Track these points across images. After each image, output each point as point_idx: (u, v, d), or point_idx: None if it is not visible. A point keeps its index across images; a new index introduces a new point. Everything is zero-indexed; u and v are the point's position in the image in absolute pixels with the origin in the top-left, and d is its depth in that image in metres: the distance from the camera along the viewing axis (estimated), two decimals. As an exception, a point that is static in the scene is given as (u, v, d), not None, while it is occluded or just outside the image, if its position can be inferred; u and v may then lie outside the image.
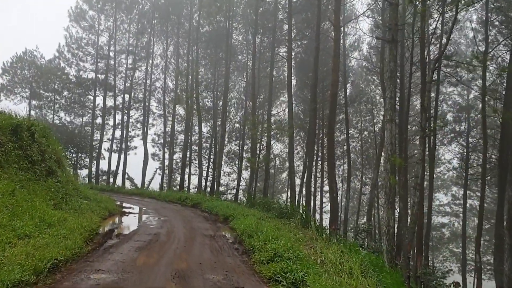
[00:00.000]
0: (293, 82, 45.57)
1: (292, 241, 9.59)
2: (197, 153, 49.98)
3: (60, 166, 16.43)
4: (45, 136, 16.36)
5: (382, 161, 44.08)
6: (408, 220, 19.91)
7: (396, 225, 22.00)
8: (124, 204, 22.10)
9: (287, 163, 56.64)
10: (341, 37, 26.79)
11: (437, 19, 20.64)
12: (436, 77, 21.22)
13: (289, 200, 27.69)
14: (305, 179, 31.74)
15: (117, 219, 14.85)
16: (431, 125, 17.44)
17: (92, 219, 11.90)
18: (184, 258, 8.57)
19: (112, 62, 44.21)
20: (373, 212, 26.52)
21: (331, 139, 20.18)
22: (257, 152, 39.78)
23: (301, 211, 16.51)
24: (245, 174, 53.63)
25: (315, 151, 27.27)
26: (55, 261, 6.74)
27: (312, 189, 38.09)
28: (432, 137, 22.72)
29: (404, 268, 14.38)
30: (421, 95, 19.35)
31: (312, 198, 36.55)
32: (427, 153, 23.06)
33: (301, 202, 29.38)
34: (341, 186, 49.02)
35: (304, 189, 31.46)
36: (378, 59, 33.35)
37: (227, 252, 9.66)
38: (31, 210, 9.30)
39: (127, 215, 16.60)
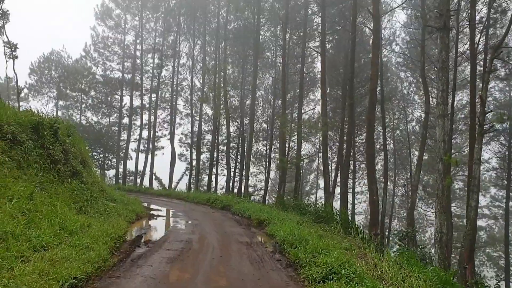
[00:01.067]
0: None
1: (345, 254, 8.37)
2: (224, 153, 49.21)
3: (85, 166, 15.61)
4: (70, 135, 15.57)
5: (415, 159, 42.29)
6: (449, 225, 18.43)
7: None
8: (152, 206, 21.25)
9: (315, 164, 55.35)
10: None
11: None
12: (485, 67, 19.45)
13: (321, 202, 26.39)
14: (338, 181, 30.44)
15: (145, 223, 13.90)
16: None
17: (118, 224, 10.95)
18: (222, 273, 7.45)
19: (138, 61, 43.71)
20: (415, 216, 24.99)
21: (370, 138, 18.78)
22: (286, 152, 38.60)
23: (340, 215, 15.21)
24: (272, 174, 52.49)
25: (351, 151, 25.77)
26: (74, 280, 5.68)
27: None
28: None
29: (460, 279, 12.95)
30: (471, 88, 17.80)
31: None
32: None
33: (332, 205, 28.04)
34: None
35: (335, 191, 30.16)
36: (413, 54, 31.79)
37: (269, 264, 8.50)
38: (51, 215, 8.34)
39: (156, 219, 15.65)
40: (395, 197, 43.67)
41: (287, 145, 39.07)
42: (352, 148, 22.42)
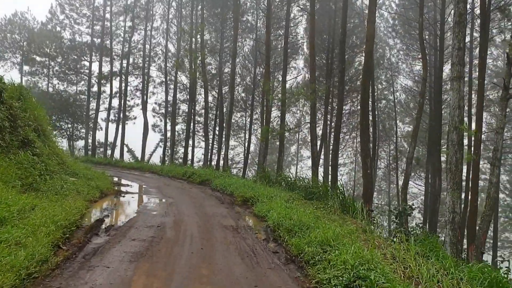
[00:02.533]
0: (305, 48, 42.14)
1: (363, 246, 6.53)
2: (201, 124, 46.92)
3: (40, 135, 13.35)
4: (21, 98, 13.23)
5: (399, 132, 40.90)
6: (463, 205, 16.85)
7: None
8: (122, 181, 19.14)
9: (297, 135, 53.60)
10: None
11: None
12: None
13: (306, 175, 24.62)
14: (329, 152, 28.57)
15: (109, 203, 11.80)
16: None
17: (74, 205, 8.86)
18: (205, 277, 5.51)
19: (108, 24, 40.48)
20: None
21: (365, 106, 16.94)
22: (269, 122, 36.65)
23: (335, 191, 13.42)
24: (251, 147, 50.53)
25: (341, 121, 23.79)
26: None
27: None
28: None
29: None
30: (480, 48, 16.03)
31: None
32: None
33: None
34: (355, 160, 46.01)
35: (324, 163, 28.44)
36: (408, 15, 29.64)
37: (265, 260, 6.61)
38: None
39: (124, 196, 13.57)
40: (377, 170, 42.50)
41: (265, 115, 37.13)
42: (340, 117, 20.54)
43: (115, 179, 20.00)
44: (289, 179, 17.36)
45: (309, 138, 53.67)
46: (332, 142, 38.56)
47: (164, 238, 7.57)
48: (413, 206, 19.23)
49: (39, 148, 12.06)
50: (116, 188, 15.50)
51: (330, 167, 23.67)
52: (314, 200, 14.06)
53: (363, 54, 36.39)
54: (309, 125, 43.24)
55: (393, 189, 44.87)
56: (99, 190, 12.97)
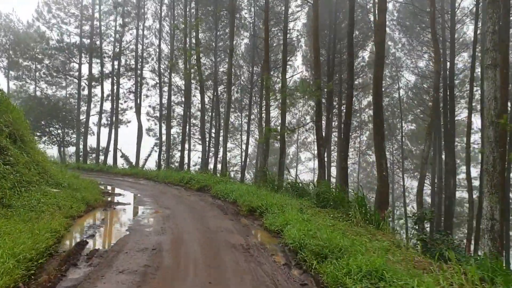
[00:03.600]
0: (303, 45, 40.73)
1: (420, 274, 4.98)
2: (196, 127, 45.31)
3: (17, 141, 11.73)
4: (-7, 100, 11.64)
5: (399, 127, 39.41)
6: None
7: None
8: (113, 190, 17.53)
9: (297, 136, 52.04)
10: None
11: None
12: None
13: (301, 178, 23.07)
14: (331, 153, 27.18)
15: (96, 218, 10.21)
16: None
17: (50, 225, 7.27)
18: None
19: (98, 24, 38.77)
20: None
21: (378, 101, 15.42)
22: (262, 123, 35.15)
23: (356, 199, 11.86)
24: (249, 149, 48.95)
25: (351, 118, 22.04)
26: None
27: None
28: None
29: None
30: None
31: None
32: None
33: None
34: (358, 160, 44.60)
35: (327, 165, 26.87)
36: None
37: (293, 297, 5.06)
38: None
39: (114, 208, 11.95)
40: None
41: (265, 115, 35.59)
42: (350, 115, 19.01)
43: (107, 187, 18.43)
44: (298, 184, 15.81)
45: (308, 139, 52.32)
46: (335, 142, 37.19)
47: (161, 268, 5.99)
48: (433, 213, 17.77)
49: (13, 156, 10.46)
50: (106, 198, 13.91)
51: (335, 169, 22.18)
52: (327, 208, 12.56)
53: (366, 49, 35.19)
54: (308, 125, 41.99)
55: (397, 189, 43.50)
56: (86, 202, 11.39)
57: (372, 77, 17.53)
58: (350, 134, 42.15)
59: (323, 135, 21.31)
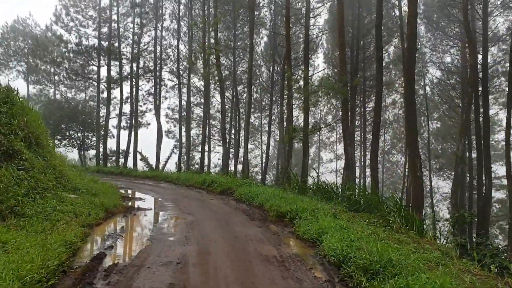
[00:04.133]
0: (324, 43, 39.81)
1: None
2: (215, 128, 44.78)
3: (32, 145, 11.17)
4: (8, 102, 11.11)
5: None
6: None
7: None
8: (133, 194, 16.98)
9: (318, 136, 50.96)
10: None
11: None
12: None
13: (323, 179, 22.15)
14: (370, 153, 25.77)
15: (116, 226, 9.56)
16: None
17: (64, 237, 6.62)
18: None
19: (116, 25, 38.45)
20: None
21: (411, 96, 14.44)
22: (284, 123, 34.34)
23: (397, 204, 10.95)
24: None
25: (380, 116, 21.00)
26: None
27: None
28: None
29: None
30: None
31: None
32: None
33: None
34: (382, 159, 43.35)
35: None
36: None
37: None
38: None
39: (135, 215, 11.30)
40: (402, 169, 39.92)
41: (286, 114, 34.74)
42: (379, 112, 18.05)
43: (127, 191, 17.89)
44: (326, 185, 14.97)
45: (331, 139, 51.25)
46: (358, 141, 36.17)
47: (188, 287, 5.25)
48: (473, 215, 16.69)
49: (28, 160, 9.91)
50: (127, 203, 13.29)
51: (357, 170, 21.20)
52: (360, 212, 11.70)
53: (391, 45, 34.09)
54: (331, 125, 40.90)
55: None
56: (104, 208, 10.76)
57: (403, 72, 16.54)
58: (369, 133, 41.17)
59: (349, 134, 20.35)
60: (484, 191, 18.44)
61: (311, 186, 15.76)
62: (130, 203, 13.55)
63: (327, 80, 18.78)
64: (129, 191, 17.82)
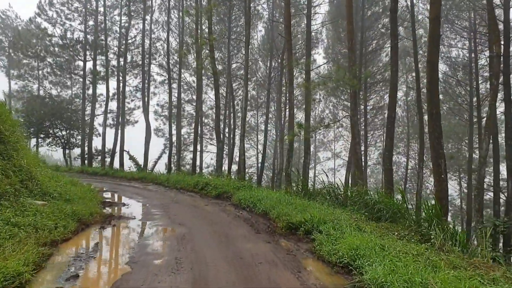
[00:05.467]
0: (324, 38, 38.07)
1: None
2: (208, 126, 42.81)
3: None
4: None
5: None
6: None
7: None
8: (116, 198, 15.02)
9: (314, 135, 49.16)
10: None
11: None
12: None
13: (320, 179, 20.22)
14: (384, 153, 24.06)
15: (89, 242, 7.61)
16: None
17: (5, 265, 4.70)
18: None
19: (102, 18, 36.28)
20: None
21: (434, 89, 12.66)
22: (282, 120, 32.54)
23: (430, 212, 9.08)
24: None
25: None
26: None
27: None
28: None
29: None
30: None
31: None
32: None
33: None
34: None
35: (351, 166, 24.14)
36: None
37: None
38: None
39: (114, 226, 9.34)
40: (408, 170, 38.33)
41: (283, 112, 32.99)
42: (394, 107, 16.23)
43: (111, 195, 15.93)
44: (337, 189, 13.13)
45: (327, 138, 49.48)
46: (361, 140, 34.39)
47: None
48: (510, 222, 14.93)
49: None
50: (107, 211, 11.34)
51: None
52: (383, 221, 9.86)
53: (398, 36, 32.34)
54: (339, 121, 39.03)
55: (426, 189, 40.50)
56: (78, 218, 8.83)
57: (426, 60, 14.75)
58: (372, 132, 39.47)
59: (359, 131, 18.57)
60: (506, 195, 16.67)
61: (318, 190, 13.87)
62: (110, 210, 11.60)
63: (337, 71, 16.84)
64: (113, 195, 15.86)
